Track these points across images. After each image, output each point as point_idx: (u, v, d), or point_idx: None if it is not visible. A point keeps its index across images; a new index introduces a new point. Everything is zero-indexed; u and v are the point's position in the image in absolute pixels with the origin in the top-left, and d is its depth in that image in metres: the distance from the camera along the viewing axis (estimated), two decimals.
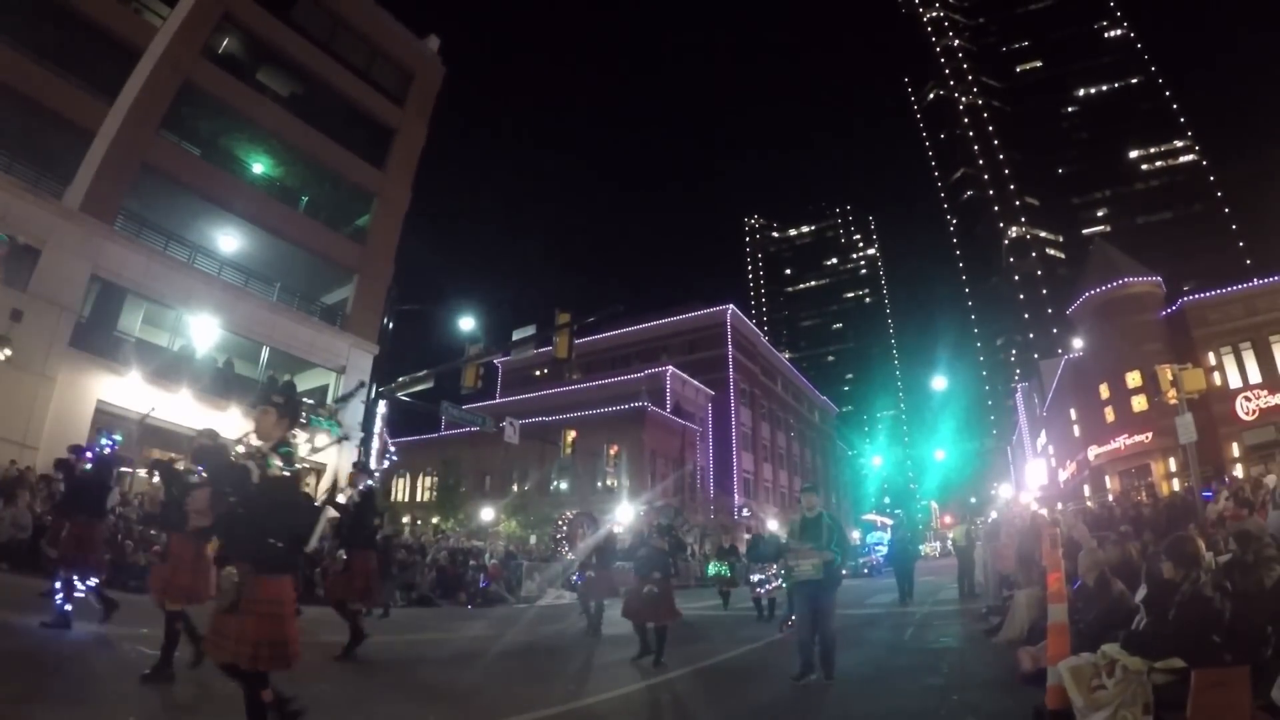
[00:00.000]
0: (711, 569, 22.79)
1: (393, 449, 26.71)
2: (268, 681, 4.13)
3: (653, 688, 7.98)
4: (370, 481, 10.07)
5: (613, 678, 8.54)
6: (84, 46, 21.52)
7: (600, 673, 9.10)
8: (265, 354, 25.68)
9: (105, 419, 20.39)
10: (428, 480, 55.39)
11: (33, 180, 20.00)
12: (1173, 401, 16.02)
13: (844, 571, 9.80)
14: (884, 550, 34.77)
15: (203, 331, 22.53)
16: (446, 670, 9.10)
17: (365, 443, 25.59)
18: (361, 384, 23.53)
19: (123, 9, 22.96)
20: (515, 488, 49.94)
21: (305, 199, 28.85)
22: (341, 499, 9.49)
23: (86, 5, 21.45)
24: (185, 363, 22.68)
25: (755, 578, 15.62)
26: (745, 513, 57.96)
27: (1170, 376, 15.99)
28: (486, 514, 44.27)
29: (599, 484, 44.72)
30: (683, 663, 9.23)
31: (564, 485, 42.52)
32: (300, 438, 4.72)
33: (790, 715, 6.86)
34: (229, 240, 24.99)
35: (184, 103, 23.65)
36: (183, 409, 21.70)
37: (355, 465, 10.55)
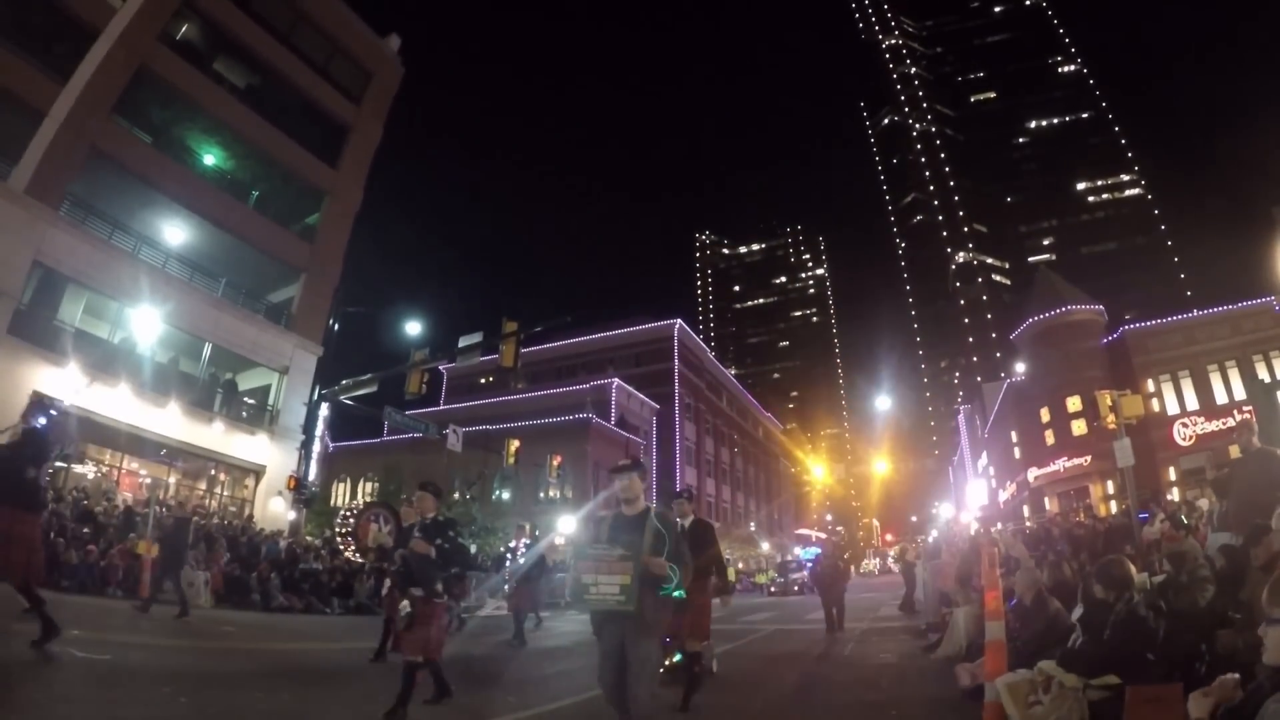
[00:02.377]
0: None
1: None
2: None
3: None
4: (46, 418, 7.28)
5: None
6: (39, 23, 20.94)
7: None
8: (208, 351, 25.16)
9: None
10: (369, 486, 54.43)
11: None
12: (1111, 426, 16.35)
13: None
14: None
15: (145, 325, 22.00)
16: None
17: (306, 445, 25.17)
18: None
19: None
20: (457, 496, 49.36)
21: (255, 194, 28.29)
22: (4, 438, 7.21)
23: None
24: (125, 356, 22.14)
25: None
26: None
27: (1110, 402, 16.33)
28: None
29: (541, 494, 44.33)
30: None
31: (506, 495, 42.11)
32: None
33: None
34: (176, 232, 24.40)
35: (138, 88, 23.10)
36: (121, 404, 21.18)
37: (33, 395, 7.72)
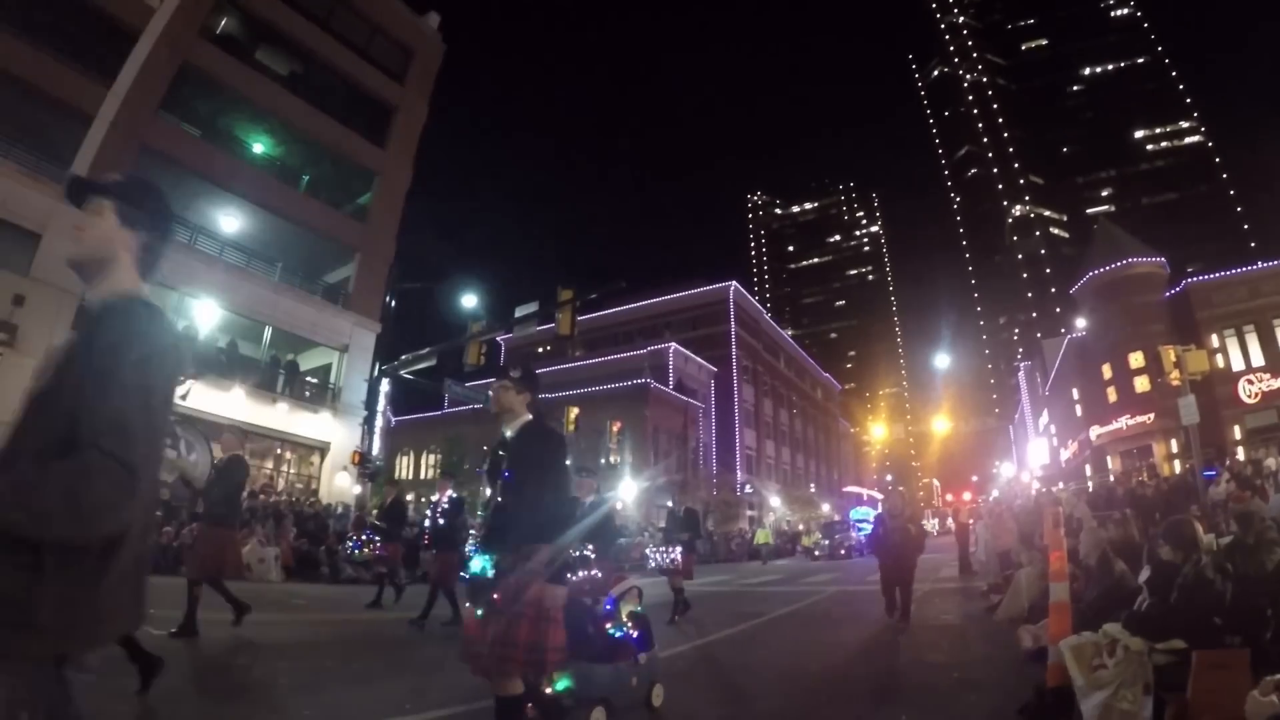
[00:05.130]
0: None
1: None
2: None
3: None
4: None
5: None
6: (81, 29, 21.36)
7: None
8: (268, 334, 25.77)
9: None
10: (431, 458, 55.47)
11: (32, 165, 19.90)
12: (1175, 383, 16.02)
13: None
14: (868, 529, 26.79)
15: (205, 313, 22.56)
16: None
17: (369, 420, 25.66)
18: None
19: None
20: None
21: (306, 178, 28.78)
22: None
23: None
24: (189, 344, 22.71)
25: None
26: (748, 489, 58.07)
27: (1173, 358, 15.98)
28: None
29: (602, 460, 44.75)
30: None
31: (567, 462, 42.52)
32: None
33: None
34: (230, 221, 24.94)
35: (183, 84, 23.56)
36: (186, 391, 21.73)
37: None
